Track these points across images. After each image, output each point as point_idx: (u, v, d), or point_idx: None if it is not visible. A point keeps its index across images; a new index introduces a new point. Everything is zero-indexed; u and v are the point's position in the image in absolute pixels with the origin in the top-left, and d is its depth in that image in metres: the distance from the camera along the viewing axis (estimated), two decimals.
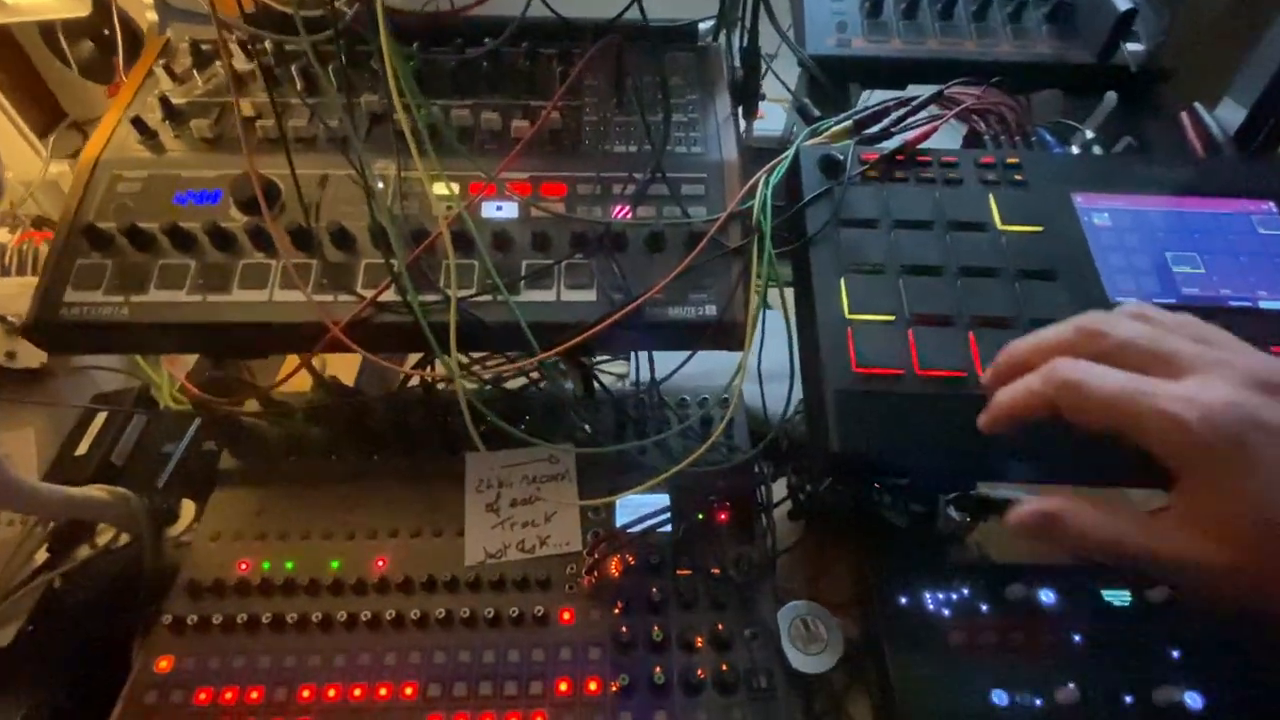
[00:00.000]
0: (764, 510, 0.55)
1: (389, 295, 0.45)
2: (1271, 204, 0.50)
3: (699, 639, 0.49)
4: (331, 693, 0.46)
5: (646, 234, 0.47)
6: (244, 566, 0.51)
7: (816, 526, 0.59)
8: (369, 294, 0.45)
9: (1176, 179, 0.51)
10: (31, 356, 0.60)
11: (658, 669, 0.47)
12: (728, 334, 0.46)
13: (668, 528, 0.55)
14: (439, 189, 0.48)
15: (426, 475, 0.56)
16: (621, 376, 0.69)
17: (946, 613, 0.52)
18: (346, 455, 0.57)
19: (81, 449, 0.59)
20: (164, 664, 0.47)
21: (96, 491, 0.50)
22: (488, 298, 0.45)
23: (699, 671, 0.47)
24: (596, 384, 0.58)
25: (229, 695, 0.46)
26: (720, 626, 0.49)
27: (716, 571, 0.52)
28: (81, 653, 0.50)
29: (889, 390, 0.42)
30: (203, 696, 0.46)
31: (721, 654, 0.48)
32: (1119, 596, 0.53)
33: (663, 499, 0.56)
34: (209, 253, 0.46)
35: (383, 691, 0.46)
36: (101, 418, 0.61)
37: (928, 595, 0.53)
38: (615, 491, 0.55)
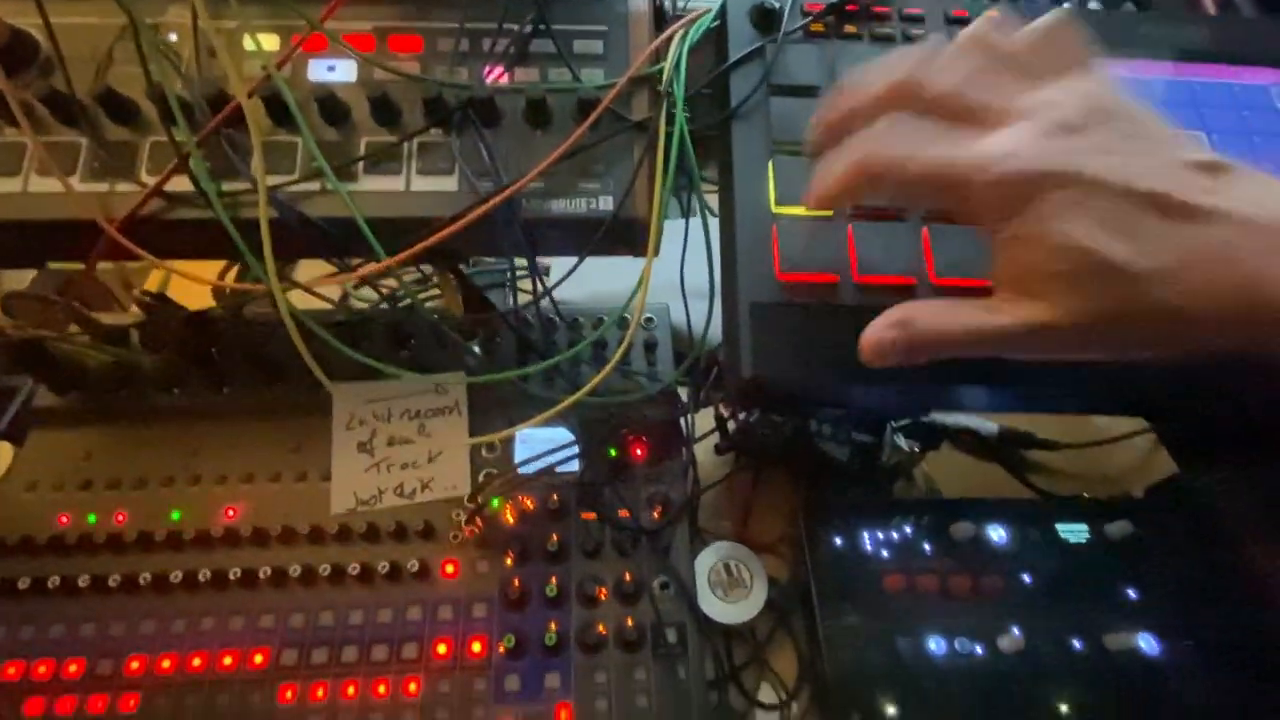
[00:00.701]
0: (685, 444, 0.48)
1: (179, 184, 0.34)
2: None
3: (601, 591, 0.43)
4: (166, 663, 0.39)
5: (524, 103, 0.37)
6: (64, 520, 0.43)
7: (746, 462, 0.52)
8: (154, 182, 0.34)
9: (1184, 41, 0.42)
10: None
11: (552, 625, 0.41)
12: (627, 234, 0.37)
13: (573, 465, 0.47)
14: (249, 43, 0.37)
15: (288, 412, 0.47)
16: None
17: (885, 554, 0.46)
18: (191, 388, 0.48)
19: None
20: None
21: None
22: (313, 186, 0.35)
23: (599, 628, 0.41)
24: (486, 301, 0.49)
25: (42, 669, 0.39)
26: (627, 577, 0.43)
27: (625, 514, 0.45)
28: None
29: (820, 300, 0.34)
30: (11, 671, 0.39)
31: (627, 607, 0.42)
32: (1075, 532, 0.48)
33: (567, 434, 0.48)
34: None
35: (227, 660, 0.39)
36: None
37: (865, 534, 0.47)
38: (512, 425, 0.47)
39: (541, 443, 0.48)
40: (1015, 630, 0.43)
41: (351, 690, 0.39)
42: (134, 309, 0.48)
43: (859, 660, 0.42)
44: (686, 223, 0.43)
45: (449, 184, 0.36)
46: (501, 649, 0.41)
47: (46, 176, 0.34)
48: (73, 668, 0.39)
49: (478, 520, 0.44)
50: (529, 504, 0.46)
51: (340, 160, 0.35)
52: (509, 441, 0.48)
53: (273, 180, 0.34)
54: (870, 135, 0.26)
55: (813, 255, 0.34)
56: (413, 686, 0.39)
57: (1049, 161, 0.23)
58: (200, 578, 0.41)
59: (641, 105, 0.38)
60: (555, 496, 0.46)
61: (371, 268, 0.35)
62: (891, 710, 0.42)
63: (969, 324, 0.25)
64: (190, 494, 0.45)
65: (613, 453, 0.48)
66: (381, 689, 0.39)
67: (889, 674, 0.42)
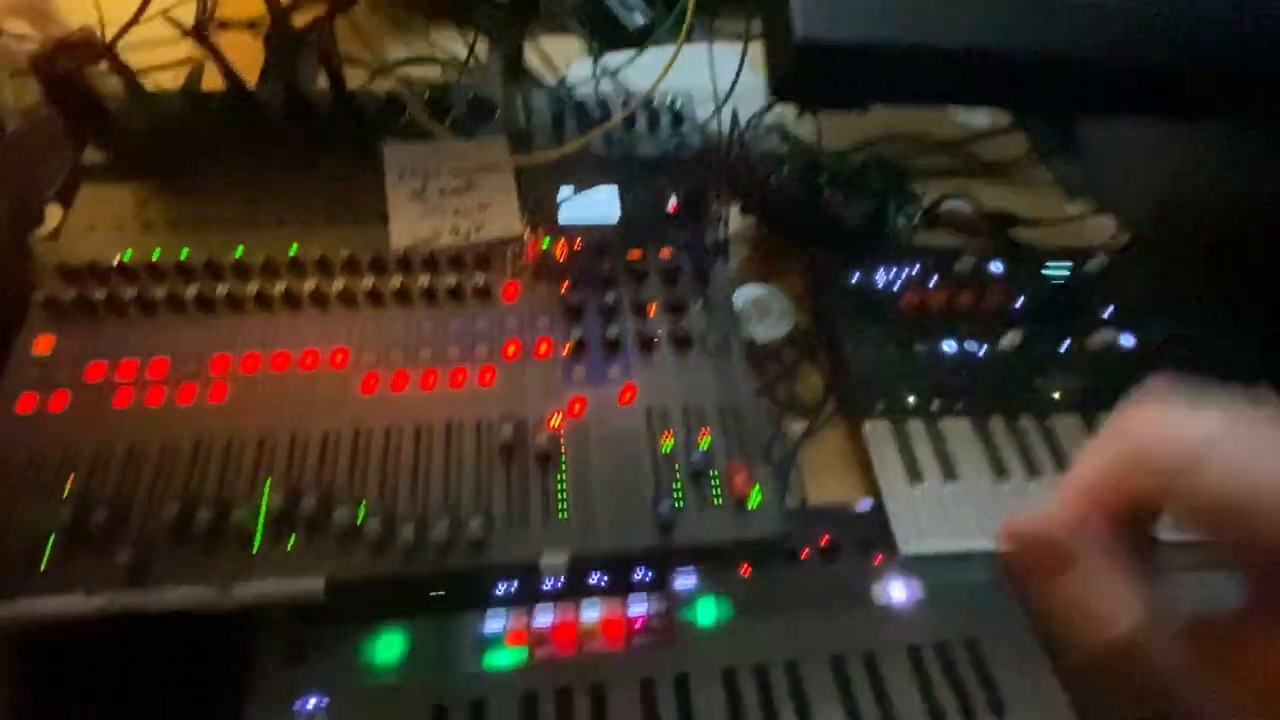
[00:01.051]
0: (716, 198, 0.52)
1: None
2: None
3: (651, 306, 0.47)
4: (249, 362, 0.42)
5: None
6: (128, 254, 0.44)
7: (766, 224, 0.57)
8: None
9: None
10: None
11: (611, 328, 0.45)
12: None
13: (614, 218, 0.51)
14: None
15: (335, 174, 0.49)
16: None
17: (896, 287, 0.52)
18: (239, 150, 0.50)
19: None
20: (43, 345, 0.41)
21: None
22: None
23: (652, 333, 0.45)
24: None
25: (126, 368, 0.41)
26: (671, 299, 0.47)
27: (666, 254, 0.50)
28: None
29: None
30: (95, 370, 0.40)
31: (675, 319, 0.47)
32: (1060, 269, 0.54)
33: (610, 188, 0.52)
34: None
35: (308, 360, 0.42)
36: None
37: (879, 274, 0.52)
38: (559, 184, 0.51)
39: (583, 201, 0.51)
40: (1014, 331, 0.49)
41: (431, 380, 0.42)
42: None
43: (880, 360, 0.48)
44: None
45: None
46: (566, 350, 0.44)
47: None
48: (157, 366, 0.41)
49: (532, 252, 0.47)
50: (577, 245, 0.49)
51: None
52: (555, 199, 0.51)
53: None
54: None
55: None
56: (488, 376, 0.43)
57: None
58: (271, 297, 0.43)
59: None
60: (601, 238, 0.49)
61: None
62: (911, 399, 0.47)
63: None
64: (249, 234, 0.47)
65: (651, 206, 0.52)
66: (459, 379, 0.42)
67: (907, 370, 0.48)
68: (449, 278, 0.46)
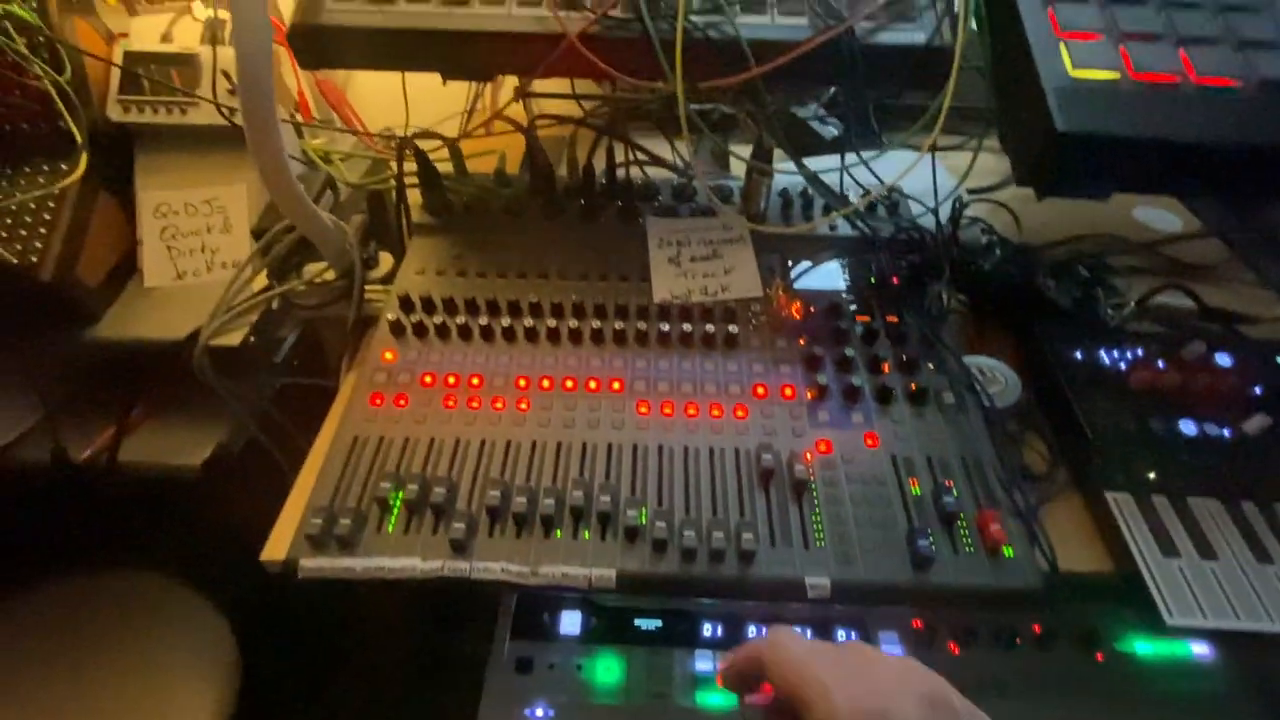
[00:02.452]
0: (938, 273, 0.57)
1: (620, 11, 0.48)
2: None
3: (885, 364, 0.51)
4: (545, 382, 0.49)
5: None
6: (450, 292, 0.55)
7: (978, 302, 0.60)
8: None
9: None
10: None
11: (852, 377, 0.49)
12: (933, 63, 0.48)
13: (842, 285, 0.57)
14: None
15: (604, 240, 0.60)
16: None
17: (1123, 365, 0.53)
18: (531, 216, 0.61)
19: None
20: (388, 355, 0.51)
21: (329, 217, 0.55)
22: (712, 18, 0.48)
23: (888, 386, 0.49)
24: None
25: (451, 379, 0.50)
26: (904, 358, 0.51)
27: (893, 319, 0.54)
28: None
29: (1106, 90, 0.44)
30: (427, 379, 0.50)
31: (908, 375, 0.50)
32: None
33: (834, 262, 0.58)
34: None
35: (592, 384, 0.49)
36: None
37: (1102, 351, 0.54)
38: (787, 258, 0.58)
39: (816, 273, 0.58)
40: (1261, 414, 0.48)
41: (692, 410, 0.48)
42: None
43: (1119, 433, 0.49)
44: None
45: (801, 21, 0.49)
46: (809, 394, 0.49)
47: (526, 6, 0.49)
48: (474, 380, 0.49)
49: (773, 310, 0.54)
50: (811, 308, 0.55)
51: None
52: (787, 267, 0.58)
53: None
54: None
55: (1096, 60, 0.45)
56: (740, 412, 0.48)
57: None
58: (564, 331, 0.52)
59: None
60: (832, 302, 0.55)
61: (748, 74, 0.48)
62: (1152, 474, 0.47)
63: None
64: (540, 284, 0.57)
65: (872, 280, 0.58)
66: (715, 411, 0.48)
67: (1146, 446, 0.48)
68: (702, 327, 0.53)
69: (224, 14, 0.64)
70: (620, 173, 0.61)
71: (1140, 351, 0.54)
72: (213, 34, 0.64)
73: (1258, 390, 0.51)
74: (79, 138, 0.59)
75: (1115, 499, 0.46)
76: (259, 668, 0.68)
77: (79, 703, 0.63)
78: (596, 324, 0.53)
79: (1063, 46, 0.46)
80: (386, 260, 0.61)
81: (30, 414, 0.59)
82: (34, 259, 0.55)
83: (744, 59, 0.48)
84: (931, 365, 0.51)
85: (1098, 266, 0.63)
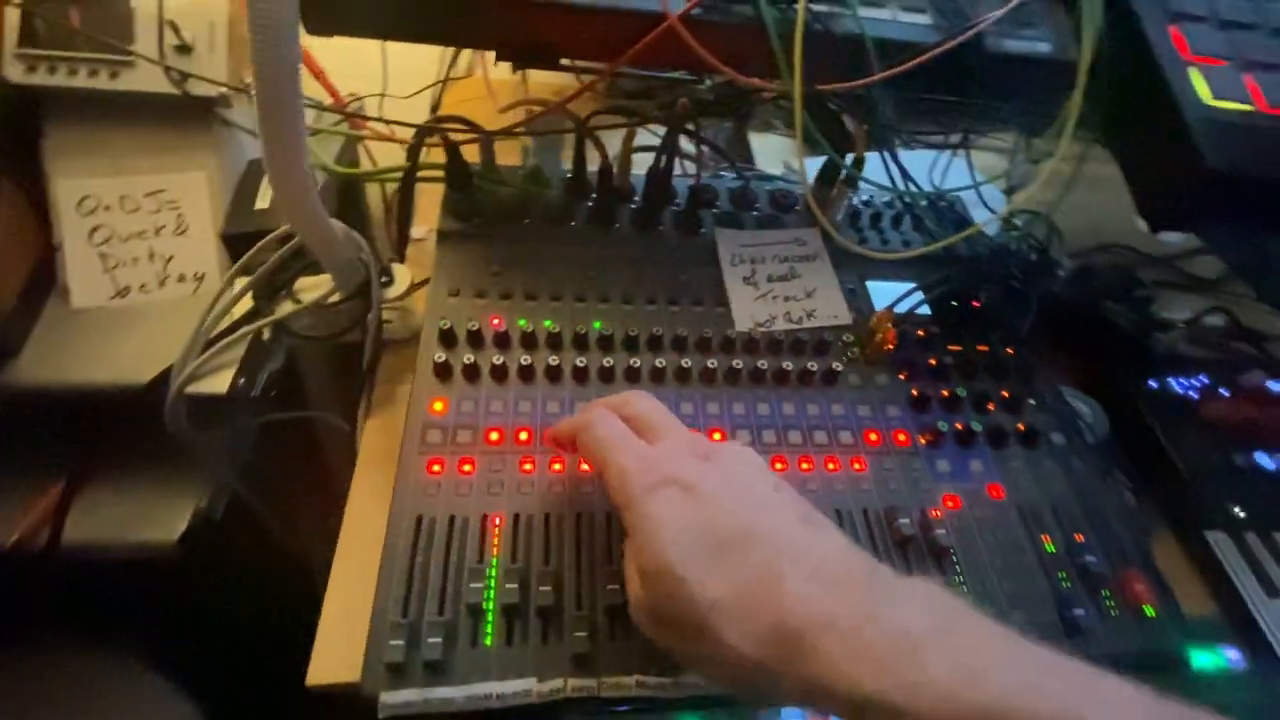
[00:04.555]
0: (1021, 296, 0.54)
1: None
2: None
3: (990, 403, 0.48)
4: None
5: None
6: (496, 322, 0.46)
7: (1047, 323, 0.59)
8: None
9: None
10: (208, 87, 0.49)
11: (959, 425, 0.46)
12: (1060, 71, 0.44)
13: (925, 309, 0.53)
14: None
15: (665, 252, 0.52)
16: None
17: (1192, 395, 0.53)
18: (578, 224, 0.52)
19: (261, 203, 0.50)
20: (438, 406, 0.41)
21: (340, 225, 0.43)
22: (830, 8, 0.41)
23: (1000, 427, 0.46)
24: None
25: (523, 435, 0.41)
26: (1005, 394, 0.48)
27: (983, 349, 0.51)
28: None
29: (1245, 123, 0.41)
30: (493, 436, 0.41)
31: (1012, 415, 0.48)
32: None
33: (912, 284, 0.54)
34: None
35: None
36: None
37: (1171, 380, 0.54)
38: (862, 276, 0.53)
39: (891, 292, 0.53)
40: None
41: (806, 466, 0.43)
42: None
43: (1208, 470, 0.48)
44: None
45: (924, 19, 0.43)
46: (923, 440, 0.45)
47: None
48: (523, 435, 0.41)
49: (868, 339, 0.49)
50: (903, 336, 0.51)
51: None
52: (866, 288, 0.53)
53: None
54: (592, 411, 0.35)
55: (1229, 90, 0.42)
56: (857, 465, 0.43)
57: (674, 470, 0.31)
58: (638, 371, 0.44)
59: None
60: (921, 331, 0.51)
61: (877, 76, 0.41)
62: (1238, 510, 0.47)
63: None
64: (604, 309, 0.48)
65: (954, 303, 0.54)
66: (831, 465, 0.43)
67: (1232, 482, 0.48)
68: (796, 361, 0.47)
69: None
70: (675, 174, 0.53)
71: (1205, 379, 0.54)
72: None
73: None
74: None
75: (1215, 539, 0.46)
76: None
77: None
78: (681, 360, 0.45)
79: (1194, 72, 0.43)
80: (403, 274, 0.50)
81: None
82: None
83: (863, 58, 0.41)
84: (1033, 401, 0.49)
85: (1135, 283, 0.63)
